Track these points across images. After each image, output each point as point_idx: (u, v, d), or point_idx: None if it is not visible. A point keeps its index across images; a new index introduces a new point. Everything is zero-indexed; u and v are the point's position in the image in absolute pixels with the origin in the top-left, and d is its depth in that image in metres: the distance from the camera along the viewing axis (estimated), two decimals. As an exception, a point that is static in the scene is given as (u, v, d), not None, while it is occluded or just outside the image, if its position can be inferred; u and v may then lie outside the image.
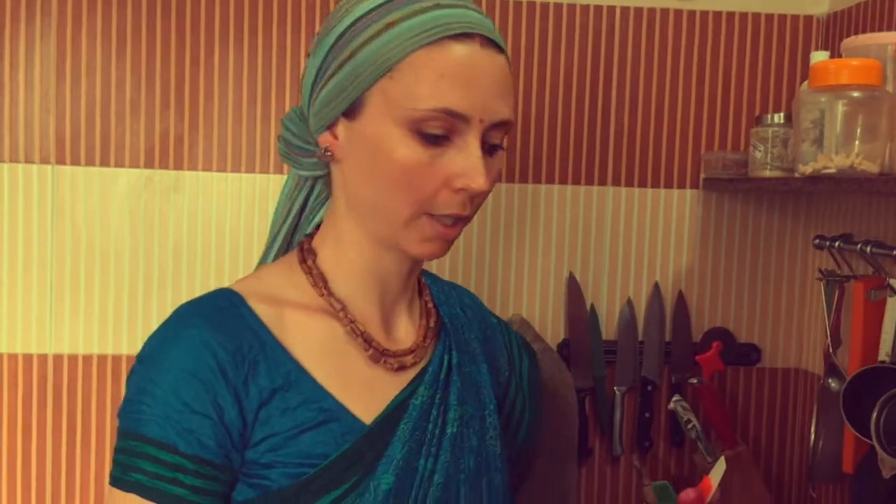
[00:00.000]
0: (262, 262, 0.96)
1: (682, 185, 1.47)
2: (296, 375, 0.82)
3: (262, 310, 0.83)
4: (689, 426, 1.38)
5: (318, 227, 0.92)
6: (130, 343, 1.39)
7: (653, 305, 1.47)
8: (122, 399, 0.84)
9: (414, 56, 0.78)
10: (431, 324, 0.92)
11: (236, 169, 1.40)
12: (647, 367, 1.47)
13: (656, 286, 1.47)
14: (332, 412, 0.82)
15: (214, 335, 0.80)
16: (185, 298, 1.39)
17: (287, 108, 1.40)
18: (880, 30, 1.30)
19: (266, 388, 0.80)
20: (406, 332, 0.91)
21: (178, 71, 1.37)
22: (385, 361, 0.86)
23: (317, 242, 0.89)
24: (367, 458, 0.82)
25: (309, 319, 0.85)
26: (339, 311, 0.86)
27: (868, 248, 1.18)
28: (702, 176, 1.47)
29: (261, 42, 1.39)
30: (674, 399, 1.41)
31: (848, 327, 1.23)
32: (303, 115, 0.87)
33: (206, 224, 1.40)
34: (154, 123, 1.37)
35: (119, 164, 1.37)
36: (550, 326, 1.46)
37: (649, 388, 1.47)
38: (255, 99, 1.39)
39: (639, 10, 1.44)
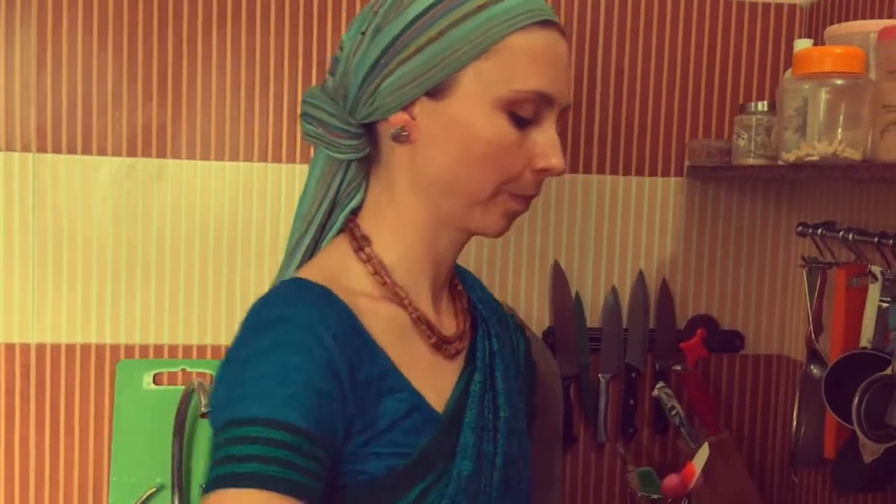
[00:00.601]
0: (293, 253, 0.90)
1: (666, 174, 1.48)
2: (384, 364, 0.81)
3: (345, 298, 0.81)
4: (673, 413, 1.39)
5: (354, 212, 0.88)
6: (114, 332, 1.38)
7: (637, 293, 1.48)
8: (222, 394, 0.75)
9: (509, 39, 0.80)
10: (465, 306, 0.93)
11: (220, 157, 1.39)
12: (631, 355, 1.48)
13: (641, 274, 1.48)
14: (414, 403, 0.81)
15: (327, 319, 0.77)
16: (168, 288, 1.41)
17: (271, 96, 1.39)
18: (863, 18, 1.31)
19: (368, 376, 0.79)
20: (447, 316, 0.91)
21: (161, 58, 1.36)
22: (445, 348, 0.87)
23: (368, 229, 0.86)
24: (446, 446, 0.82)
25: (379, 307, 0.83)
26: (403, 298, 0.85)
27: (850, 236, 1.19)
28: (686, 164, 1.47)
29: (244, 29, 1.38)
30: (658, 386, 1.42)
31: (830, 314, 1.24)
32: (334, 96, 0.85)
33: (189, 213, 1.39)
34: (137, 111, 1.36)
35: (101, 153, 1.36)
36: (535, 314, 1.47)
37: (633, 375, 1.48)
38: (238, 87, 1.38)
39: (623, -2, 1.44)
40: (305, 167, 1.39)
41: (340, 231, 0.88)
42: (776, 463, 1.53)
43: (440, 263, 0.88)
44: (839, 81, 1.04)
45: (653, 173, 1.47)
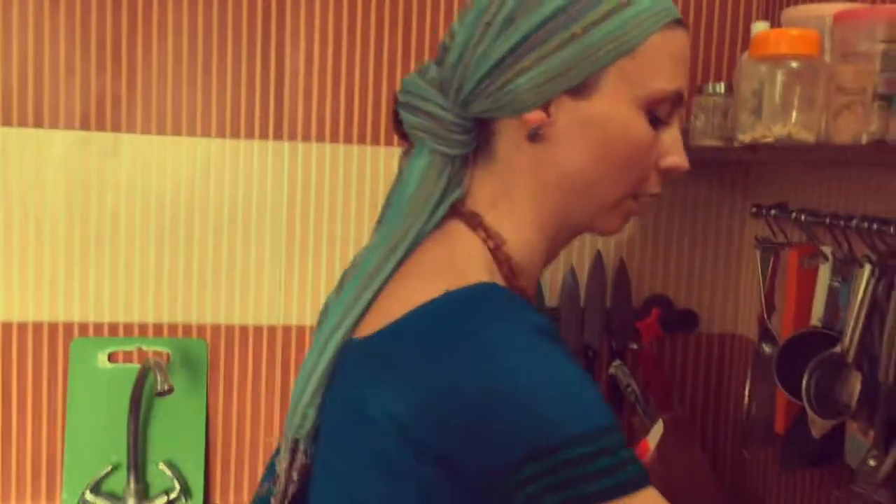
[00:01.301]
0: (393, 249, 0.79)
1: (625, 154, 1.49)
2: None
3: None
4: (629, 390, 1.41)
5: (457, 207, 0.81)
6: (67, 310, 1.35)
7: (595, 273, 1.49)
8: (540, 419, 0.66)
9: (654, 38, 0.78)
10: None
11: (177, 132, 1.37)
12: (588, 334, 1.49)
13: (598, 254, 1.49)
14: None
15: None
16: (122, 265, 1.39)
17: (229, 69, 1.37)
18: (820, 1, 1.33)
19: None
20: None
21: (115, 27, 1.33)
22: None
23: (497, 226, 0.80)
24: None
25: None
26: (531, 304, 0.79)
27: (802, 217, 1.21)
28: (644, 145, 1.48)
29: None
30: (614, 364, 1.44)
31: (782, 294, 1.26)
32: (444, 88, 0.80)
33: (145, 189, 1.37)
34: (90, 83, 1.33)
35: (53, 126, 1.33)
36: (495, 293, 1.47)
37: (591, 354, 1.50)
38: (196, 56, 1.36)
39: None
40: (265, 143, 1.38)
41: (443, 221, 0.80)
42: (729, 440, 1.56)
43: (547, 266, 0.85)
44: (794, 64, 1.06)
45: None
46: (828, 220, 1.16)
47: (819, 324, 1.17)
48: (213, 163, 1.38)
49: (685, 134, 1.39)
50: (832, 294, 1.16)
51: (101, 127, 1.34)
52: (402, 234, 0.80)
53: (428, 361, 0.69)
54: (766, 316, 1.30)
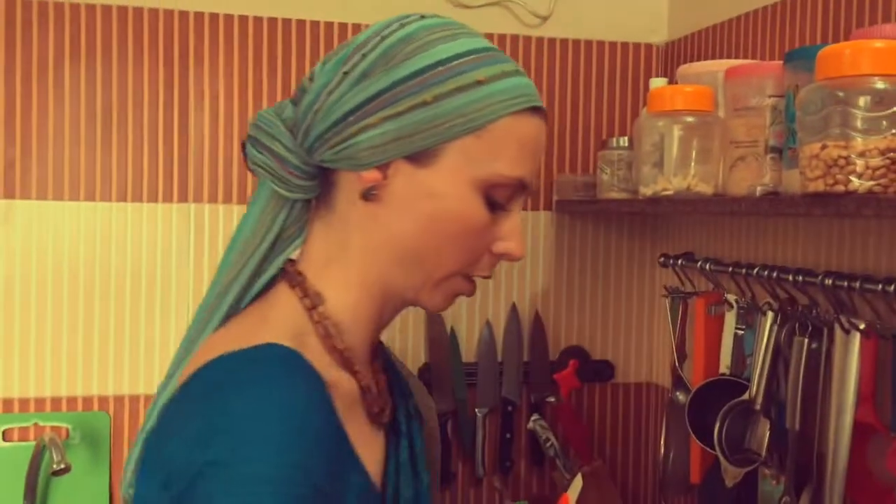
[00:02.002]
0: (224, 294, 0.80)
1: (536, 208, 1.50)
2: (348, 449, 0.74)
3: (314, 364, 0.74)
4: (548, 444, 1.40)
5: (290, 261, 0.81)
6: (-44, 387, 1.28)
7: (511, 326, 1.49)
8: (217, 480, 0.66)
9: (503, 121, 0.76)
10: (382, 366, 0.87)
11: (75, 197, 1.32)
12: (507, 388, 1.48)
13: (514, 307, 1.49)
14: (362, 479, 0.75)
15: (323, 404, 0.70)
16: (18, 337, 1.32)
17: (130, 131, 1.33)
18: (713, 58, 1.38)
19: (338, 469, 0.73)
20: (371, 380, 0.84)
21: (8, 91, 1.29)
22: (380, 415, 0.81)
23: (316, 283, 0.79)
24: None
25: (337, 378, 0.76)
26: (354, 366, 0.78)
27: (707, 266, 1.23)
28: (554, 198, 1.50)
29: (99, 58, 1.32)
30: (532, 419, 1.43)
31: (692, 341, 1.28)
32: (294, 128, 0.79)
33: (41, 256, 1.31)
34: (-19, 149, 1.28)
35: (-59, 194, 1.27)
36: (411, 350, 1.45)
37: (510, 408, 1.49)
38: (93, 119, 1.32)
39: (489, 37, 1.45)
40: (169, 206, 1.35)
41: (274, 277, 0.81)
42: (648, 490, 1.57)
43: (380, 329, 0.83)
44: (690, 118, 1.09)
45: (523, 207, 1.49)
46: (731, 269, 1.18)
47: (727, 371, 1.18)
48: (115, 227, 1.33)
49: (592, 186, 1.41)
50: (738, 341, 1.18)
51: (-8, 194, 1.29)
52: (234, 275, 0.80)
53: (179, 420, 0.72)
54: (677, 364, 1.31)
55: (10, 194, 1.29)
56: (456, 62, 0.76)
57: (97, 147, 1.32)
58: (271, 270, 0.80)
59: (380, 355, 0.86)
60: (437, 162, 0.76)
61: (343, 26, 1.40)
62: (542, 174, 1.49)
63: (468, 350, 1.48)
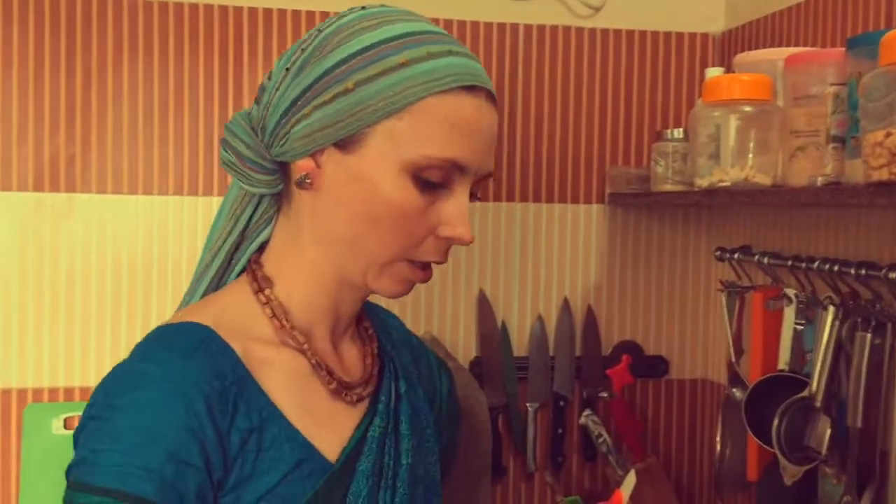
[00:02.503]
0: (198, 282, 0.88)
1: (588, 201, 1.48)
2: (267, 413, 0.77)
3: (233, 343, 0.78)
4: (601, 440, 1.39)
5: (262, 248, 0.86)
6: (20, 376, 1.31)
7: (563, 321, 1.48)
8: (79, 450, 0.74)
9: (427, 101, 0.76)
10: (374, 350, 0.90)
11: (133, 191, 1.34)
12: (558, 383, 1.47)
13: (566, 301, 1.48)
14: (301, 452, 0.78)
15: (199, 373, 0.74)
16: (78, 330, 1.35)
17: (186, 126, 1.36)
18: (772, 46, 1.35)
19: (245, 430, 0.75)
20: (352, 359, 0.88)
21: (69, 88, 1.32)
22: (345, 394, 0.83)
23: (271, 270, 0.84)
24: (336, 496, 0.79)
25: (272, 353, 0.80)
26: (303, 343, 0.81)
27: (765, 259, 1.20)
28: (607, 191, 1.48)
29: (156, 55, 1.34)
30: (585, 414, 1.42)
31: (749, 337, 1.25)
32: (256, 126, 0.83)
33: (101, 250, 1.34)
34: (43, 143, 1.31)
35: (6, 188, 1.30)
36: (462, 344, 1.45)
37: (561, 403, 1.47)
38: (151, 114, 1.34)
39: (542, 28, 1.45)
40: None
41: (245, 268, 0.86)
42: (703, 488, 1.54)
43: (342, 312, 0.86)
44: (748, 108, 1.06)
45: (575, 200, 1.48)
46: (790, 263, 1.15)
47: (786, 367, 1.16)
48: (172, 221, 1.36)
49: (646, 179, 1.39)
50: (797, 337, 1.15)
51: (54, 188, 1.32)
52: (206, 265, 0.86)
53: None
54: (734, 360, 1.28)
55: (71, 188, 1.32)
56: (380, 48, 0.77)
57: (154, 141, 1.35)
58: (243, 261, 0.86)
59: (367, 341, 0.89)
60: (363, 147, 0.77)
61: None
62: (594, 167, 1.48)
63: (519, 344, 1.47)
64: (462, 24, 1.42)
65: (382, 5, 0.82)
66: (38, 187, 1.31)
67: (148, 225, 1.35)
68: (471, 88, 0.78)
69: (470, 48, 1.42)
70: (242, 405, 0.76)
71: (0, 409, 1.31)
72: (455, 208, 0.79)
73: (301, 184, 0.80)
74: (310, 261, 0.82)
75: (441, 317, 1.44)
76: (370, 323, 0.93)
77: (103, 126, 1.33)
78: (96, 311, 1.34)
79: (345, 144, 0.78)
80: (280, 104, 0.80)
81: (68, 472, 0.73)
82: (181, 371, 0.74)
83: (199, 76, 1.35)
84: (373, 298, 0.89)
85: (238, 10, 1.36)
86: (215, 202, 1.37)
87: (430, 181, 0.77)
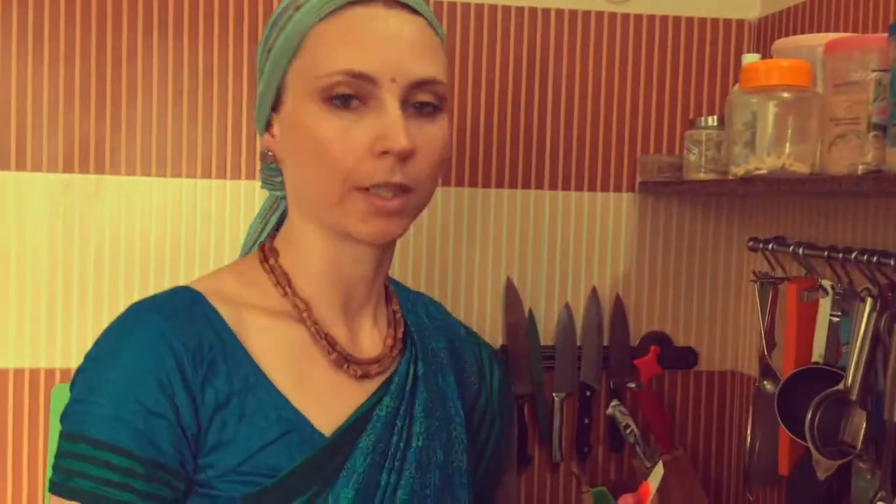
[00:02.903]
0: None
1: (618, 189, 1.47)
2: (254, 380, 0.79)
3: (223, 309, 0.81)
4: (628, 431, 1.37)
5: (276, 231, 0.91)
6: (49, 356, 1.32)
7: (591, 310, 1.46)
8: (69, 400, 0.79)
9: (315, 29, 0.79)
10: (399, 334, 0.89)
11: (162, 173, 1.34)
12: (585, 373, 1.46)
13: (594, 290, 1.46)
14: (290, 421, 0.78)
15: (173, 331, 0.77)
16: (107, 310, 1.35)
17: (215, 109, 1.35)
18: (811, 31, 1.32)
19: (223, 392, 0.77)
20: (372, 340, 0.88)
21: (100, 70, 1.32)
22: (349, 367, 0.83)
23: (278, 243, 0.88)
24: (327, 470, 0.79)
25: (270, 322, 0.82)
26: (302, 311, 0.83)
27: (800, 250, 1.18)
28: (638, 179, 1.46)
29: (186, 38, 1.34)
30: (612, 404, 1.40)
31: (782, 329, 1.23)
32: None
33: (129, 232, 1.34)
34: (73, 125, 1.31)
35: (36, 169, 1.31)
36: (488, 332, 1.44)
37: (588, 393, 1.46)
38: (180, 98, 1.34)
39: (573, 13, 1.43)
40: (252, 183, 1.36)
41: None
42: (731, 480, 1.52)
43: (351, 282, 0.86)
44: (786, 95, 1.04)
45: (605, 189, 1.46)
46: (826, 253, 1.13)
47: (820, 360, 1.13)
48: (200, 203, 1.35)
49: (678, 167, 1.37)
50: (833, 329, 1.12)
51: (83, 169, 1.32)
52: (245, 254, 0.93)
53: None
54: (766, 352, 1.26)
55: (100, 170, 1.33)
56: (285, 7, 0.82)
57: (183, 125, 1.34)
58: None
59: (395, 325, 0.90)
60: (286, 98, 0.81)
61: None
62: (624, 155, 1.46)
63: (546, 333, 1.46)
64: (493, 8, 1.41)
65: None
66: (67, 168, 1.32)
67: (176, 207, 1.35)
68: (361, 2, 0.79)
69: (501, 33, 1.42)
70: (223, 367, 0.78)
71: (28, 389, 1.32)
72: (381, 120, 0.77)
73: (265, 157, 0.85)
74: (301, 229, 0.85)
75: (468, 304, 1.43)
76: (399, 307, 0.92)
77: (133, 108, 1.33)
78: (124, 292, 1.34)
79: (276, 105, 0.82)
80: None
81: (61, 417, 0.79)
82: (157, 329, 0.77)
83: (229, 59, 1.35)
84: (388, 281, 0.92)
85: (268, -7, 1.35)
86: (243, 186, 1.36)
87: (343, 97, 0.77)
